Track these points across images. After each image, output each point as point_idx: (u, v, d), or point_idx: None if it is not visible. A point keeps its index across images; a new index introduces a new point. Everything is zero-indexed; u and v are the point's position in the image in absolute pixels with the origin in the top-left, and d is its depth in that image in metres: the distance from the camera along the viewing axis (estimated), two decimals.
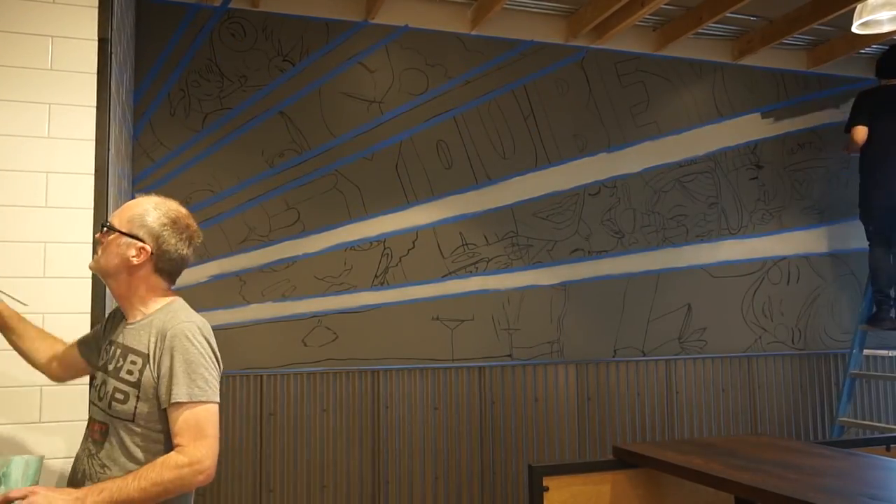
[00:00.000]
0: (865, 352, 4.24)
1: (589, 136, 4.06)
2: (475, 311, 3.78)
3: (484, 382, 3.78)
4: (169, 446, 1.61)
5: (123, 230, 1.70)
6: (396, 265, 3.68)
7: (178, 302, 1.75)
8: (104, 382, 1.70)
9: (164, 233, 1.71)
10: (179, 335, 1.63)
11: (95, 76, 2.20)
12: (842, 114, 4.46)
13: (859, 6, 3.32)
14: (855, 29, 3.39)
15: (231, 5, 3.53)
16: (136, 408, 1.63)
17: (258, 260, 3.49)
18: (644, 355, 4.06)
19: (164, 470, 1.52)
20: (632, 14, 3.65)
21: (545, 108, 3.99)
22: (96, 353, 1.82)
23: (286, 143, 3.57)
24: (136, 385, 1.64)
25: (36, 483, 1.68)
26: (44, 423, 2.06)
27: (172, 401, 1.59)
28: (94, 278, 2.15)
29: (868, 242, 4.15)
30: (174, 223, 1.73)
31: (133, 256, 1.69)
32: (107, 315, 1.90)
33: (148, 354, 1.65)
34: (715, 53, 4.34)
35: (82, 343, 1.90)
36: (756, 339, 4.28)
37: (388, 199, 3.70)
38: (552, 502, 2.27)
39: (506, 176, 3.90)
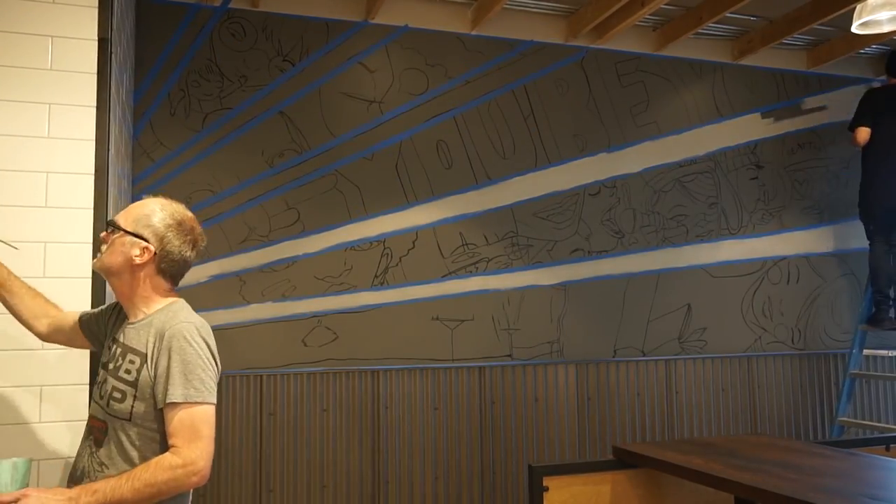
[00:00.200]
0: (865, 352, 4.24)
1: (589, 136, 4.06)
2: (475, 311, 3.78)
3: (484, 382, 3.78)
4: (165, 446, 1.61)
5: (128, 229, 1.71)
6: (396, 265, 3.68)
7: (180, 303, 1.76)
8: (105, 381, 1.71)
9: (169, 234, 1.72)
10: (177, 335, 1.63)
11: (95, 76, 2.20)
12: (841, 114, 4.46)
13: (859, 6, 3.32)
14: (855, 29, 3.39)
15: (231, 5, 3.53)
16: (132, 407, 1.63)
17: (258, 260, 3.49)
18: (644, 355, 4.06)
19: (157, 471, 1.52)
20: (632, 14, 3.65)
21: (545, 108, 3.99)
22: (96, 334, 1.86)
23: (286, 143, 3.57)
24: (134, 384, 1.64)
25: (26, 485, 1.67)
26: (44, 422, 2.06)
27: (168, 401, 1.59)
28: (95, 278, 2.15)
29: (868, 242, 4.15)
30: (179, 225, 1.74)
31: (136, 256, 1.69)
32: (113, 304, 1.89)
33: (146, 354, 1.65)
34: (715, 53, 4.34)
35: (87, 316, 1.91)
36: (756, 339, 4.28)
37: (388, 199, 3.70)
38: (552, 502, 2.27)
39: (506, 176, 3.90)
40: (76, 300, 2.11)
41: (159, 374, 1.62)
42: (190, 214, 1.79)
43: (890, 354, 4.41)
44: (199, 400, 1.59)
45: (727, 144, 4.34)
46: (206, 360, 1.65)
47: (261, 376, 3.44)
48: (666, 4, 3.69)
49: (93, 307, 2.11)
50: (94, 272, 2.12)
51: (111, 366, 1.71)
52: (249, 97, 3.54)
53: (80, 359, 2.11)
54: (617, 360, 4.01)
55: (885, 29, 3.36)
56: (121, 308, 1.82)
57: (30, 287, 1.95)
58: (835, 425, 4.13)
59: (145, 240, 1.70)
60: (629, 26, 3.85)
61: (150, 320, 1.70)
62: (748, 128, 4.39)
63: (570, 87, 4.05)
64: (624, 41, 4.12)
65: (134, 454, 1.62)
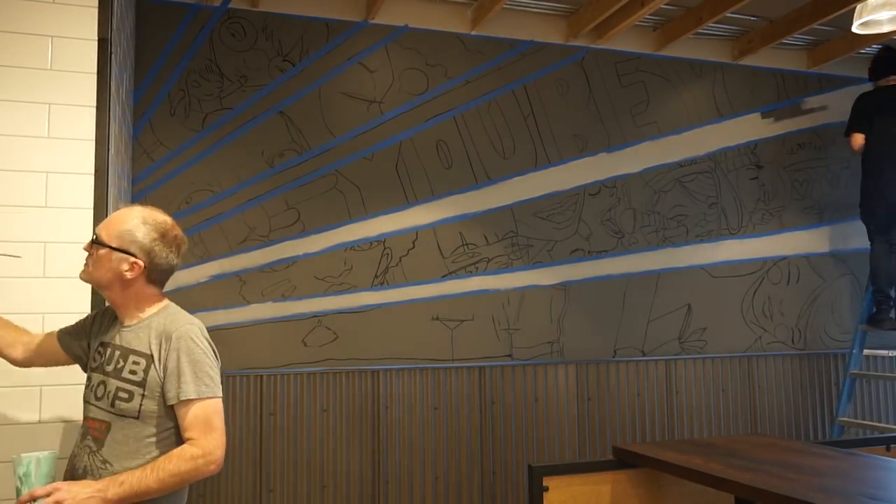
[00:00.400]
0: (865, 352, 4.24)
1: (589, 136, 4.06)
2: (475, 311, 3.78)
3: (484, 382, 3.78)
4: (169, 441, 1.71)
5: (114, 245, 1.75)
6: (396, 265, 3.68)
7: (172, 306, 1.87)
8: (102, 383, 1.76)
9: (156, 247, 1.78)
10: (184, 337, 1.74)
11: (95, 76, 2.20)
12: (842, 114, 4.46)
13: (859, 6, 3.32)
14: (855, 29, 3.39)
15: (231, 5, 3.53)
16: (141, 405, 1.71)
17: (258, 260, 3.49)
18: (644, 355, 4.06)
19: (180, 462, 1.64)
20: (632, 14, 3.65)
21: (545, 108, 3.99)
22: (80, 347, 1.88)
23: (286, 143, 3.57)
24: (142, 384, 1.72)
25: (53, 479, 1.70)
26: (44, 422, 2.07)
27: (182, 398, 1.69)
28: None
29: (869, 242, 4.15)
30: (163, 237, 1.79)
31: (126, 271, 1.75)
32: (94, 314, 1.94)
33: (151, 355, 1.73)
34: (715, 53, 4.34)
35: (65, 333, 1.93)
36: (756, 339, 4.28)
37: (388, 199, 3.70)
38: (552, 502, 2.27)
39: (506, 176, 3.90)
40: (76, 300, 2.11)
41: (169, 374, 1.71)
42: (170, 221, 1.84)
43: (890, 354, 4.41)
44: (209, 395, 1.71)
45: (727, 144, 4.34)
46: (210, 357, 1.76)
47: (261, 376, 3.44)
48: (666, 4, 3.69)
49: (93, 307, 2.12)
50: None
51: (109, 368, 1.76)
52: (249, 97, 3.54)
53: None
54: (617, 360, 4.00)
55: (886, 29, 3.36)
56: (105, 314, 1.88)
57: None
58: (835, 425, 4.12)
59: (133, 255, 1.75)
60: (629, 26, 3.85)
61: (148, 323, 1.78)
62: (748, 128, 4.39)
63: (570, 87, 4.05)
64: (624, 41, 4.12)
65: (141, 449, 1.70)
